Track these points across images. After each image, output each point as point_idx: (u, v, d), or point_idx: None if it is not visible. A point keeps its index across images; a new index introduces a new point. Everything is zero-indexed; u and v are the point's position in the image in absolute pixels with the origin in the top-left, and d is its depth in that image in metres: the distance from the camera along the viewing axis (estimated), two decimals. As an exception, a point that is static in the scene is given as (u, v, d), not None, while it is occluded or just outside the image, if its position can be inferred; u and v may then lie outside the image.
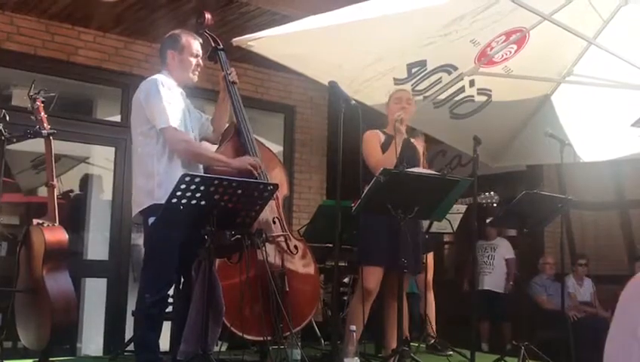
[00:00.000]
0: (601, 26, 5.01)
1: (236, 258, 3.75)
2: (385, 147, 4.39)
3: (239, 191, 3.23)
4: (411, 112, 4.57)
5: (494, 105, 5.73)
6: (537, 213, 4.65)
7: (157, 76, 3.76)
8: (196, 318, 3.46)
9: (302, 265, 4.23)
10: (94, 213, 6.71)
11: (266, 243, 3.87)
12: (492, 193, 5.23)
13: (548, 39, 5.02)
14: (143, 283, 3.69)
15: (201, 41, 3.97)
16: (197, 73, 3.90)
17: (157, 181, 3.58)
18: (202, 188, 3.11)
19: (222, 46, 4.35)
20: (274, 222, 4.12)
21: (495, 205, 5.25)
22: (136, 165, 3.77)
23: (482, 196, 5.19)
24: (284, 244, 4.13)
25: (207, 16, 4.38)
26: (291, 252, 4.15)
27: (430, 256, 5.40)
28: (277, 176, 4.26)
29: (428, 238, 5.16)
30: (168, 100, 3.64)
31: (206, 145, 4.07)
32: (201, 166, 3.85)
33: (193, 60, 3.87)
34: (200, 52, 3.91)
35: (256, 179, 3.83)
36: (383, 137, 4.49)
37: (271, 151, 4.56)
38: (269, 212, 4.08)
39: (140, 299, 3.64)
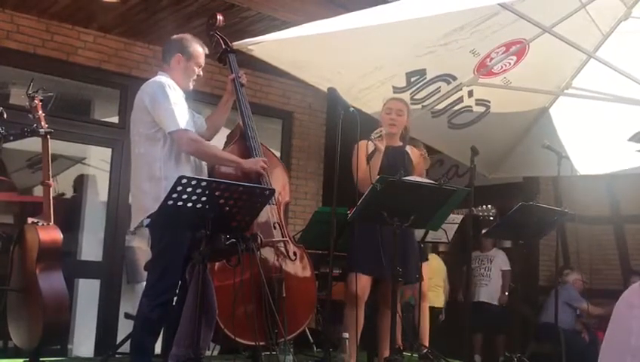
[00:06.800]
0: (601, 39, 5.03)
1: (235, 260, 3.73)
2: (372, 157, 4.32)
3: (236, 195, 3.21)
4: (403, 123, 4.50)
5: (492, 117, 5.74)
6: (533, 225, 4.65)
7: (160, 78, 3.74)
8: (188, 322, 3.45)
9: (300, 271, 4.21)
10: (89, 214, 6.69)
11: (266, 248, 3.86)
12: (489, 206, 5.24)
13: (548, 51, 5.04)
14: (146, 287, 3.69)
15: (207, 51, 3.96)
16: (194, 82, 3.91)
17: (164, 185, 3.49)
18: (199, 190, 3.09)
19: (232, 48, 4.35)
20: (274, 228, 4.11)
21: (492, 218, 5.25)
22: (139, 169, 3.71)
23: (480, 209, 5.20)
24: (283, 250, 4.12)
25: (219, 17, 4.38)
26: (290, 258, 4.14)
27: (425, 265, 5.38)
28: (280, 181, 4.25)
29: (422, 247, 5.14)
30: (175, 102, 3.62)
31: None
32: (205, 168, 3.84)
33: (196, 70, 3.87)
34: (203, 63, 3.92)
35: (262, 181, 3.82)
36: (371, 147, 4.43)
37: (275, 156, 4.55)
38: (270, 217, 4.08)
39: (141, 302, 3.63)
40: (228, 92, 4.20)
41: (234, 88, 4.18)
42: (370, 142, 4.37)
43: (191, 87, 3.89)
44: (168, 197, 3.05)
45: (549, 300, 7.64)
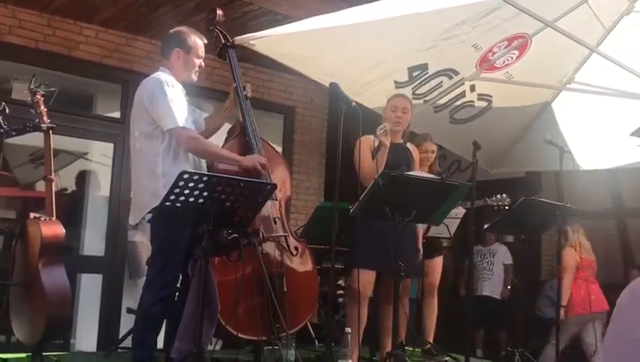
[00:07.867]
0: (604, 34, 5.02)
1: (236, 256, 3.73)
2: (376, 153, 4.30)
3: (237, 191, 3.22)
4: (407, 120, 4.51)
5: (494, 111, 5.73)
6: (535, 220, 4.65)
7: (159, 75, 3.73)
8: (191, 317, 3.45)
9: (301, 266, 4.21)
10: (91, 209, 6.70)
11: (267, 243, 3.85)
12: (504, 195, 5.12)
13: (550, 46, 5.02)
14: (146, 282, 3.70)
15: (205, 41, 3.95)
16: (197, 74, 3.90)
17: (163, 182, 3.50)
18: (201, 185, 3.09)
19: (232, 43, 4.34)
20: (275, 222, 4.11)
21: (507, 208, 5.11)
22: (138, 165, 3.72)
23: (494, 198, 5.12)
24: (284, 244, 4.12)
25: (219, 12, 4.37)
26: (291, 253, 4.14)
27: (438, 261, 5.30)
28: (280, 176, 4.24)
29: (431, 243, 5.09)
30: (173, 99, 3.61)
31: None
32: (204, 164, 3.84)
33: (197, 62, 3.86)
34: (204, 54, 3.91)
35: (261, 178, 3.82)
36: (376, 142, 4.41)
37: (276, 151, 4.55)
38: (271, 211, 4.07)
39: (142, 296, 3.63)
40: (231, 100, 4.21)
41: (236, 96, 4.19)
42: (374, 137, 4.34)
43: (195, 79, 3.88)
44: (170, 192, 3.06)
45: (538, 295, 7.66)
